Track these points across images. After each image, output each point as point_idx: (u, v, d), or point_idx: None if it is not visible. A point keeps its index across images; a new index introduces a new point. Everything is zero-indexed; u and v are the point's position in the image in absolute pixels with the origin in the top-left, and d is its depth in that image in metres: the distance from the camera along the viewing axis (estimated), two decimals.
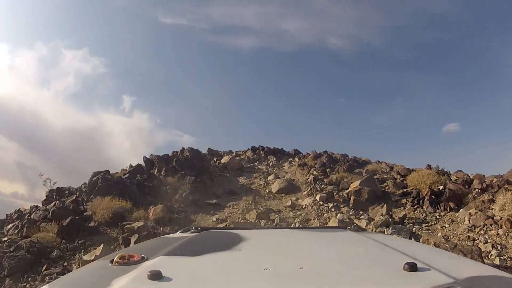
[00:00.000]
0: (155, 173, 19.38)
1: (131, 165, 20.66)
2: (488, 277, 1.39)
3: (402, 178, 20.41)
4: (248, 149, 31.08)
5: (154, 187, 16.93)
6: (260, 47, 43.78)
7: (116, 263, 1.52)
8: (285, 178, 21.05)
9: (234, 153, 30.51)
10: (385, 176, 21.25)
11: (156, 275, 1.26)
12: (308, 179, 20.22)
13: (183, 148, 24.32)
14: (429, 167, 21.70)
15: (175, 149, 27.41)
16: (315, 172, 21.59)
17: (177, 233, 2.69)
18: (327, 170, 22.80)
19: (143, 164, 20.75)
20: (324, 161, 24.39)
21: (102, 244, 10.14)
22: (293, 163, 26.78)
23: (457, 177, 19.10)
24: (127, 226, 11.81)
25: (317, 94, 44.98)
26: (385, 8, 42.99)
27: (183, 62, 47.58)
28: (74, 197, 15.67)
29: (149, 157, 20.86)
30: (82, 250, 11.61)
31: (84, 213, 14.06)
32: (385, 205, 15.45)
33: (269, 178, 20.99)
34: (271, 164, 26.19)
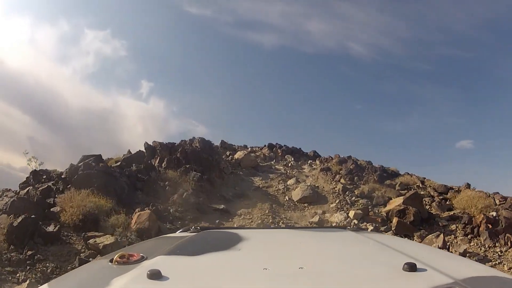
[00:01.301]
0: (156, 163, 15.54)
1: (129, 151, 16.79)
2: (487, 277, 1.31)
3: (441, 197, 16.47)
4: (265, 145, 27.06)
5: (150, 182, 13.07)
6: (281, 45, 41.69)
7: (116, 262, 1.40)
8: (308, 184, 17.10)
9: (249, 149, 26.55)
10: (422, 193, 17.19)
11: (155, 275, 1.18)
12: (336, 188, 16.21)
13: (193, 138, 20.46)
14: (468, 186, 17.82)
15: (209, 139, 23.81)
16: (342, 180, 17.54)
17: (177, 232, 2.44)
18: (355, 178, 18.82)
19: (144, 151, 16.95)
20: (351, 167, 20.31)
21: (28, 280, 6.21)
22: (314, 166, 22.80)
23: (500, 200, 15.20)
24: (91, 241, 7.91)
25: (333, 98, 42.11)
26: (409, 20, 41.18)
27: (203, 53, 45.36)
28: (46, 186, 11.85)
29: (151, 144, 16.98)
30: (28, 267, 7.80)
31: (52, 209, 10.29)
32: (442, 235, 11.45)
33: (289, 182, 16.98)
34: (289, 165, 22.21)
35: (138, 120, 37.42)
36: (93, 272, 1.45)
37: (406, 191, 17.31)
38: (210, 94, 45.73)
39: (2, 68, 33.70)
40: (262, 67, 45.90)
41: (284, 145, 27.51)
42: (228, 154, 21.80)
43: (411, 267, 1.27)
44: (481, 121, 41.17)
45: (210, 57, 45.71)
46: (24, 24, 41.17)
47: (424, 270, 1.29)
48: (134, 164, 14.66)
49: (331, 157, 25.16)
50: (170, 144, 16.72)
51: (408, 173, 22.33)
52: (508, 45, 37.36)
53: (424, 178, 20.24)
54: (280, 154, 25.66)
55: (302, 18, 42.87)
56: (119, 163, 13.99)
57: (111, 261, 1.44)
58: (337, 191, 15.89)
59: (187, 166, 14.33)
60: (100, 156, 15.26)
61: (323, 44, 43.03)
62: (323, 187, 16.97)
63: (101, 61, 47.31)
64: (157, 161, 15.80)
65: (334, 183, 17.50)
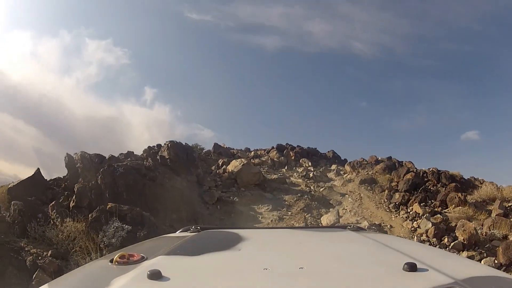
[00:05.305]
0: (72, 198, 7.37)
1: (38, 170, 8.57)
2: (488, 277, 1.20)
3: None
4: (273, 147, 18.82)
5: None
6: (283, 47, 40.70)
7: (116, 263, 1.27)
8: (354, 211, 9.01)
9: (253, 153, 18.34)
10: None
11: (155, 275, 1.07)
12: (419, 232, 7.96)
13: (165, 144, 12.23)
14: None
15: (197, 142, 16.63)
16: (417, 208, 9.28)
17: (177, 232, 2.12)
18: (426, 196, 10.64)
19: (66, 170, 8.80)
20: (409, 177, 12.01)
21: None
22: (345, 174, 14.64)
23: None
24: None
25: (337, 96, 40.03)
26: (410, 17, 39.84)
27: (206, 57, 43.16)
28: None
29: (73, 156, 8.77)
30: None
31: None
32: None
33: (323, 219, 8.65)
34: (311, 174, 14.05)
35: (144, 127, 33.93)
36: (93, 272, 1.30)
37: None
38: (214, 97, 42.78)
39: (6, 81, 31.90)
40: (266, 68, 43.87)
41: (298, 146, 19.30)
42: (220, 164, 13.61)
43: (412, 267, 1.14)
44: (486, 112, 37.65)
45: (213, 61, 42.91)
46: (26, 37, 39.95)
47: (425, 270, 1.16)
48: (12, 203, 6.57)
49: (365, 160, 16.78)
50: (99, 158, 8.45)
51: (475, 178, 14.24)
52: (510, 36, 35.20)
53: (499, 185, 12.20)
54: (293, 157, 17.48)
55: (303, 19, 41.07)
56: None
57: (111, 261, 1.29)
58: (426, 235, 7.64)
59: (109, 205, 6.15)
60: None
61: (326, 44, 40.69)
62: (387, 222, 8.73)
63: (104, 70, 45.50)
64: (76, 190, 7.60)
65: (403, 213, 9.20)
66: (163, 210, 7.28)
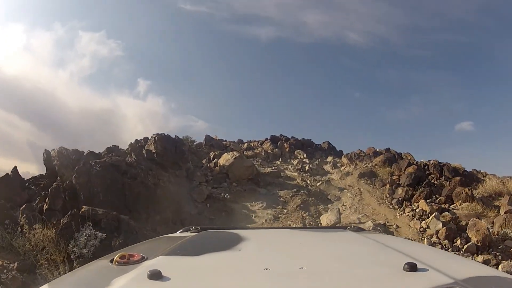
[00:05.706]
0: (47, 200, 6.68)
1: (15, 168, 7.84)
2: (488, 277, 1.19)
3: None
4: (267, 139, 18.13)
5: None
6: (278, 38, 40.31)
7: (116, 263, 1.28)
8: (354, 208, 8.45)
9: (246, 145, 17.70)
10: None
11: (156, 275, 1.08)
12: (429, 233, 7.39)
13: (152, 137, 11.50)
14: None
15: (188, 135, 16.13)
16: (423, 205, 8.70)
17: (177, 232, 2.15)
18: (430, 191, 10.09)
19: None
20: (412, 171, 11.44)
21: None
22: (341, 167, 14.07)
23: None
24: None
25: (332, 87, 40.15)
26: (404, 7, 39.55)
27: (200, 49, 42.89)
28: None
29: (51, 152, 8.07)
30: None
31: None
32: None
33: (323, 217, 8.02)
34: (307, 167, 13.45)
35: (138, 119, 33.73)
36: (94, 273, 1.30)
37: None
38: (209, 89, 42.75)
39: (0, 75, 31.78)
40: (260, 59, 43.85)
41: (292, 137, 18.64)
42: (212, 157, 12.96)
43: (412, 267, 1.14)
44: (481, 103, 37.95)
45: (208, 53, 42.73)
46: (18, 30, 39.73)
47: (425, 270, 1.16)
48: None
49: (363, 152, 16.22)
50: (77, 154, 7.72)
51: (477, 170, 13.80)
52: (505, 28, 34.11)
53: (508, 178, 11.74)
54: (287, 149, 16.86)
55: (298, 9, 40.75)
56: None
57: (111, 261, 1.30)
58: (436, 237, 7.08)
59: (82, 209, 5.48)
60: None
61: (320, 34, 40.81)
62: (392, 221, 8.16)
63: (98, 62, 45.64)
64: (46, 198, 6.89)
65: (408, 210, 8.65)
66: (145, 211, 6.63)
